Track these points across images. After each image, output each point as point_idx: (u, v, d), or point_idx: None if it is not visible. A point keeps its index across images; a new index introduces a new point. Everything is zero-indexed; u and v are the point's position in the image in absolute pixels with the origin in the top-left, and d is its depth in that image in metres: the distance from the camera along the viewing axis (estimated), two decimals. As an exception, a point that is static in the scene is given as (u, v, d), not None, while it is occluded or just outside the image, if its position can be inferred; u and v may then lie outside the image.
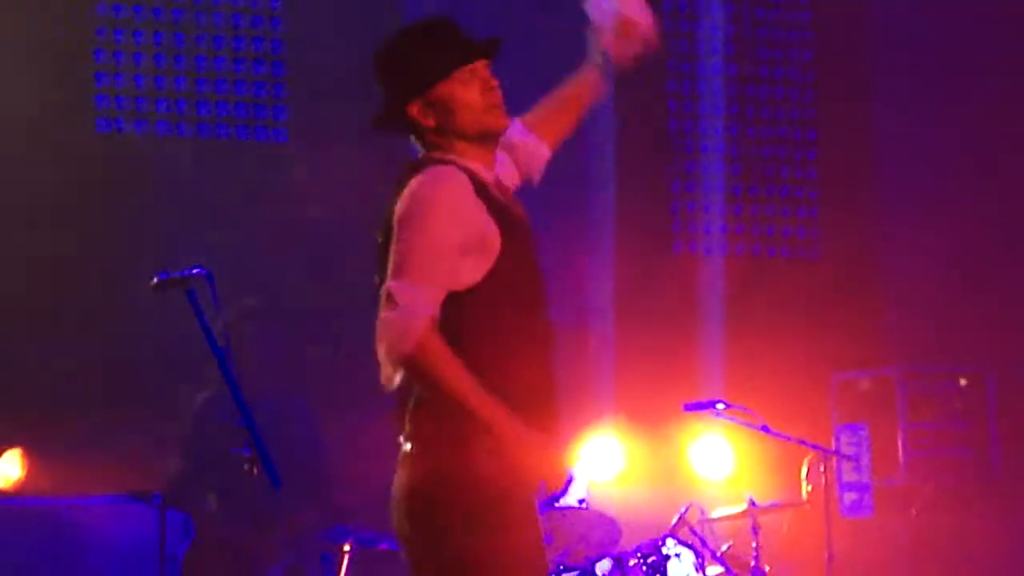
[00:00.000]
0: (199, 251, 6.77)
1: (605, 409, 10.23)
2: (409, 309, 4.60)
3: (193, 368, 7.86)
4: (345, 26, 10.24)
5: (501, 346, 4.80)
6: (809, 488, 9.49)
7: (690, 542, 9.13)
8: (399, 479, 4.81)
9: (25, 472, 9.33)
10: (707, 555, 9.20)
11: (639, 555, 8.88)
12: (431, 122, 4.87)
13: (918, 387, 10.67)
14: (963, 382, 10.71)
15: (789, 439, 9.32)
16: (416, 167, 4.84)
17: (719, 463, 10.65)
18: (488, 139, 4.93)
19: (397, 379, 4.70)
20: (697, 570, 9.05)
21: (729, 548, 9.47)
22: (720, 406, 9.17)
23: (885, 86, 11.57)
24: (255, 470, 5.62)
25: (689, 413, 9.38)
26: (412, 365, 4.61)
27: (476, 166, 4.86)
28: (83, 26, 9.93)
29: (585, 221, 10.85)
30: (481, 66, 4.91)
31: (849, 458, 10.43)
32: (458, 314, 4.73)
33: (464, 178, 4.75)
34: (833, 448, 10.15)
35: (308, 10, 10.39)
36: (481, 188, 4.80)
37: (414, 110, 4.87)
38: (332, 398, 9.21)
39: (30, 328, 9.35)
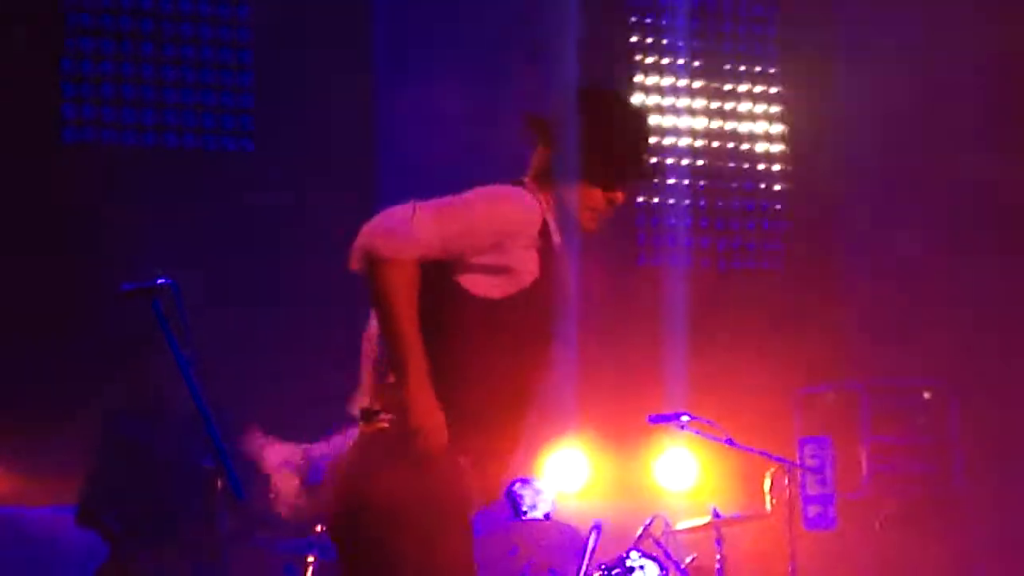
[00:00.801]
0: (166, 261, 6.72)
1: (570, 422, 10.22)
2: (420, 234, 4.72)
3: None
4: (314, 36, 10.24)
5: (489, 359, 4.89)
6: (773, 500, 9.51)
7: (654, 554, 9.15)
8: (359, 453, 4.89)
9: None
10: (671, 567, 9.22)
11: (603, 568, 8.90)
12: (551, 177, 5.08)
13: (882, 401, 10.69)
14: (927, 396, 10.74)
15: (753, 451, 9.34)
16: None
17: (683, 475, 10.67)
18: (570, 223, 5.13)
19: (355, 267, 4.78)
20: (661, 582, 9.07)
21: (693, 560, 9.48)
22: (685, 418, 9.18)
23: (853, 98, 11.58)
24: (219, 482, 5.59)
25: (654, 425, 9.40)
26: (380, 269, 4.70)
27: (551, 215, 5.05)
28: (51, 39, 9.92)
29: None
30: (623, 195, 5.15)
31: (813, 471, 10.45)
32: (462, 316, 4.84)
33: (538, 213, 4.94)
34: (797, 461, 10.18)
35: (277, 20, 10.36)
36: (545, 229, 4.97)
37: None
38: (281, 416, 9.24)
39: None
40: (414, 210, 4.76)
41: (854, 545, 10.48)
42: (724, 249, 11.66)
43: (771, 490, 9.50)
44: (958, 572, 10.50)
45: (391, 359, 4.76)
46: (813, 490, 10.59)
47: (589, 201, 5.08)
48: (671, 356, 10.54)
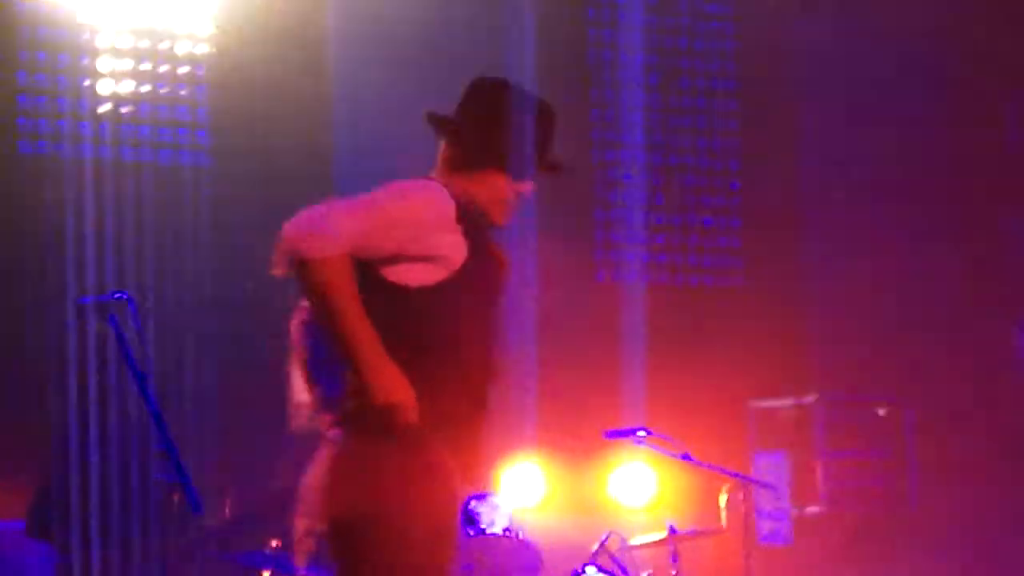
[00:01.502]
0: (122, 275, 6.72)
1: (527, 436, 10.22)
2: (339, 228, 4.72)
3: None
4: (271, 49, 10.23)
5: (437, 345, 4.89)
6: (728, 516, 9.52)
7: (611, 570, 9.14)
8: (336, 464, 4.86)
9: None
10: (627, 583, 9.22)
11: (560, 583, 8.90)
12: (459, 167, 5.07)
13: (837, 415, 10.72)
14: (881, 412, 10.77)
15: (709, 467, 9.35)
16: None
17: (640, 491, 10.67)
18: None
19: (282, 272, 4.77)
20: (617, 597, 9.07)
21: (650, 576, 9.49)
22: (641, 433, 9.19)
23: (809, 118, 11.64)
24: (175, 496, 5.57)
25: (610, 440, 9.40)
26: (311, 269, 4.68)
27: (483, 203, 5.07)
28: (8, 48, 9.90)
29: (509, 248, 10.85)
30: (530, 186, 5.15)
31: (767, 486, 10.44)
32: (394, 307, 4.82)
33: (448, 199, 4.92)
34: (752, 476, 10.18)
35: (234, 35, 10.36)
36: (464, 213, 4.95)
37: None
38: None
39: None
40: (330, 209, 4.76)
41: (810, 561, 10.50)
42: (682, 265, 11.69)
43: (727, 505, 9.51)
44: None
45: (342, 351, 4.73)
46: (767, 505, 10.61)
47: (497, 193, 5.08)
48: (628, 371, 10.55)
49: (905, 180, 11.41)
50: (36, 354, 8.85)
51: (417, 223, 4.86)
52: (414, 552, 4.80)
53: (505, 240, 5.22)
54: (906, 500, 10.70)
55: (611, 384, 10.41)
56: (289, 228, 4.73)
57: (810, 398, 10.72)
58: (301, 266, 4.69)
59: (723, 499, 9.51)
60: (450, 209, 4.91)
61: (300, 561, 5.01)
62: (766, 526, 10.57)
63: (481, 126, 5.07)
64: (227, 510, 8.30)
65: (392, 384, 4.73)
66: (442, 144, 5.12)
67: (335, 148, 10.55)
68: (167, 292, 8.45)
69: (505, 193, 5.09)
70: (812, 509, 10.53)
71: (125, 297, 5.85)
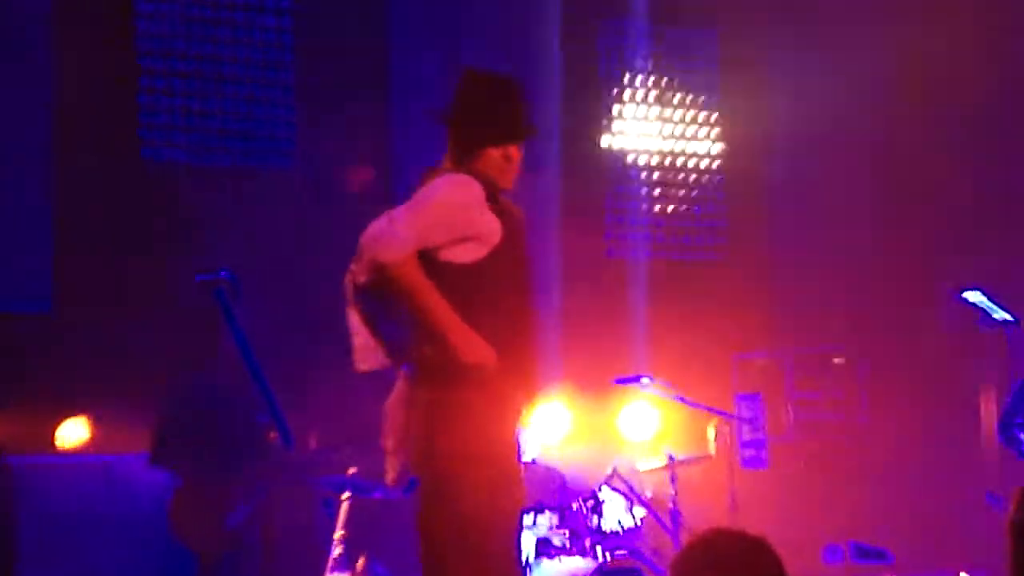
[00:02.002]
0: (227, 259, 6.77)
1: (554, 383, 10.24)
2: (404, 233, 4.69)
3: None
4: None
5: (492, 311, 4.86)
6: (716, 446, 9.57)
7: (621, 490, 9.18)
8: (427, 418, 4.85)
9: (91, 434, 9.33)
10: (634, 500, 9.27)
11: (580, 500, 8.95)
12: (464, 153, 5.02)
13: (803, 365, 10.72)
14: (837, 361, 10.78)
15: (700, 407, 9.39)
16: (438, 173, 4.98)
17: (644, 426, 10.69)
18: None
19: (365, 278, 4.73)
20: (627, 512, 9.11)
21: (652, 494, 9.53)
22: (645, 380, 9.22)
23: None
24: (272, 434, 5.64)
25: (620, 386, 9.44)
26: (391, 273, 4.66)
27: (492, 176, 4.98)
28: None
29: (535, 232, 10.91)
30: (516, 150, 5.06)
31: (747, 421, 10.49)
32: (457, 283, 4.80)
33: (476, 183, 4.87)
34: (735, 413, 10.22)
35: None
36: (492, 193, 4.92)
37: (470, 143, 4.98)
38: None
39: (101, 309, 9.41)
40: (391, 218, 4.72)
41: (781, 480, 10.53)
42: (676, 244, 11.70)
43: (715, 438, 9.56)
44: (865, 498, 10.56)
45: (429, 327, 4.69)
46: (748, 437, 10.63)
47: (497, 164, 5.01)
48: (634, 329, 10.58)
49: (870, 161, 11.37)
50: (163, 320, 8.88)
51: (461, 207, 4.85)
52: (499, 492, 4.80)
53: (532, 226, 5.18)
54: (858, 431, 10.72)
55: (620, 340, 10.43)
56: (365, 241, 4.71)
57: (781, 351, 10.74)
58: (381, 270, 4.68)
59: (711, 432, 9.56)
60: (480, 191, 4.89)
61: (390, 477, 5.00)
62: (746, 453, 10.59)
63: (468, 112, 5.00)
64: (313, 442, 8.29)
65: (477, 346, 4.72)
66: (448, 136, 5.06)
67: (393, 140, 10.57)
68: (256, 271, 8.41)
69: (502, 162, 5.02)
70: (784, 438, 10.55)
71: (230, 276, 5.90)
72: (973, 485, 8.42)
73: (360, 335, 4.95)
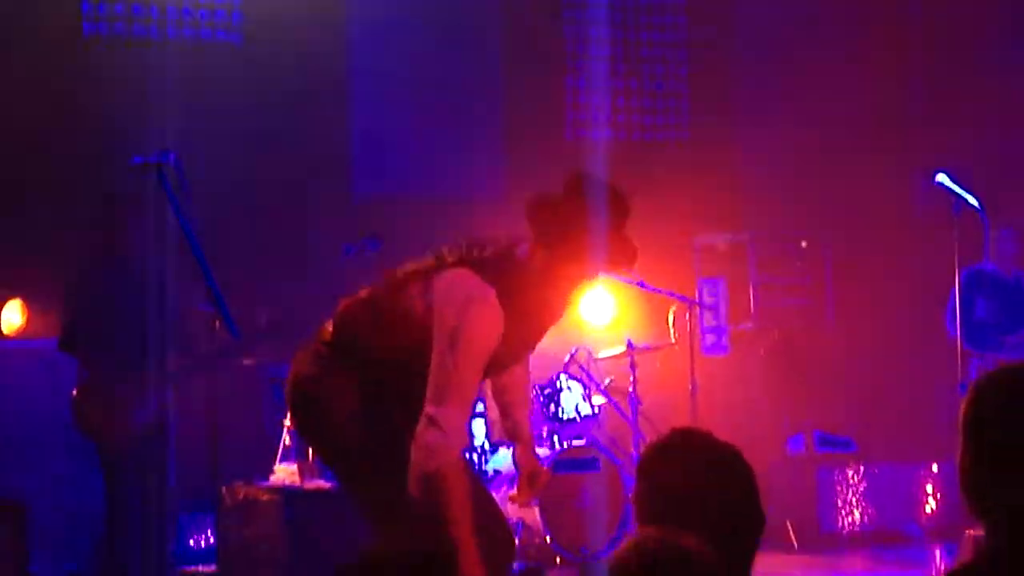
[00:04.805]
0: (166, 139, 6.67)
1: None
2: (452, 438, 4.53)
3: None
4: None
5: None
6: (676, 332, 9.61)
7: (579, 377, 9.24)
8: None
9: (25, 319, 9.28)
10: (593, 387, 9.33)
11: (538, 388, 8.99)
12: (537, 263, 4.76)
13: (767, 248, 10.72)
14: (804, 244, 10.78)
15: (660, 292, 9.42)
16: (480, 262, 4.74)
17: (603, 312, 10.71)
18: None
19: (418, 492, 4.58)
20: (584, 399, 9.17)
21: (611, 382, 9.59)
22: (604, 265, 9.22)
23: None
24: (216, 324, 5.61)
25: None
26: (435, 483, 4.50)
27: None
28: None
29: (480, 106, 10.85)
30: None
31: (708, 307, 10.52)
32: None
33: (498, 309, 4.64)
34: (696, 299, 10.25)
35: None
36: (506, 294, 4.68)
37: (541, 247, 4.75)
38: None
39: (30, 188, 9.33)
40: (438, 422, 4.53)
41: (743, 368, 10.59)
42: (637, 123, 11.64)
43: (674, 324, 9.60)
44: (830, 388, 10.66)
45: (452, 541, 4.50)
46: (709, 323, 10.65)
47: (570, 276, 4.82)
48: (593, 213, 10.51)
49: (830, 44, 11.33)
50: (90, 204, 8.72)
51: (491, 336, 4.64)
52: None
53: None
54: (822, 317, 10.76)
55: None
56: (416, 455, 4.54)
57: (744, 234, 10.73)
58: (428, 483, 4.51)
59: (671, 318, 9.60)
60: (500, 316, 4.66)
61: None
62: (707, 340, 10.64)
63: (565, 219, 4.73)
64: (263, 321, 8.18)
65: (476, 568, 4.53)
66: (536, 234, 4.79)
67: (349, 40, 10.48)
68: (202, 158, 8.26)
69: (576, 279, 4.83)
70: (745, 325, 10.59)
71: (172, 158, 5.83)
72: (944, 376, 8.46)
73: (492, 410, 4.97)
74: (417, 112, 10.87)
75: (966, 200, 8.18)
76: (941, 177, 8.19)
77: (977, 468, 2.84)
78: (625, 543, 2.34)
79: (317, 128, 10.35)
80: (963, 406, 2.89)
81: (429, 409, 4.54)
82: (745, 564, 2.92)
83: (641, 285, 9.24)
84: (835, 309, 10.76)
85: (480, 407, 8.99)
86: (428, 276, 4.74)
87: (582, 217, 4.70)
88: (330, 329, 4.85)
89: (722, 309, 10.59)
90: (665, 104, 11.75)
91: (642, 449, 3.10)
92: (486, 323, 4.63)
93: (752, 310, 10.54)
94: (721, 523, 2.86)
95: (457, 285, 4.64)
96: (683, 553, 2.28)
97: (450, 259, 4.76)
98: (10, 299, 9.25)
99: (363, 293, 4.93)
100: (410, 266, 4.85)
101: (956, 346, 8.14)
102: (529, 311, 4.74)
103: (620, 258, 4.86)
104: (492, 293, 4.65)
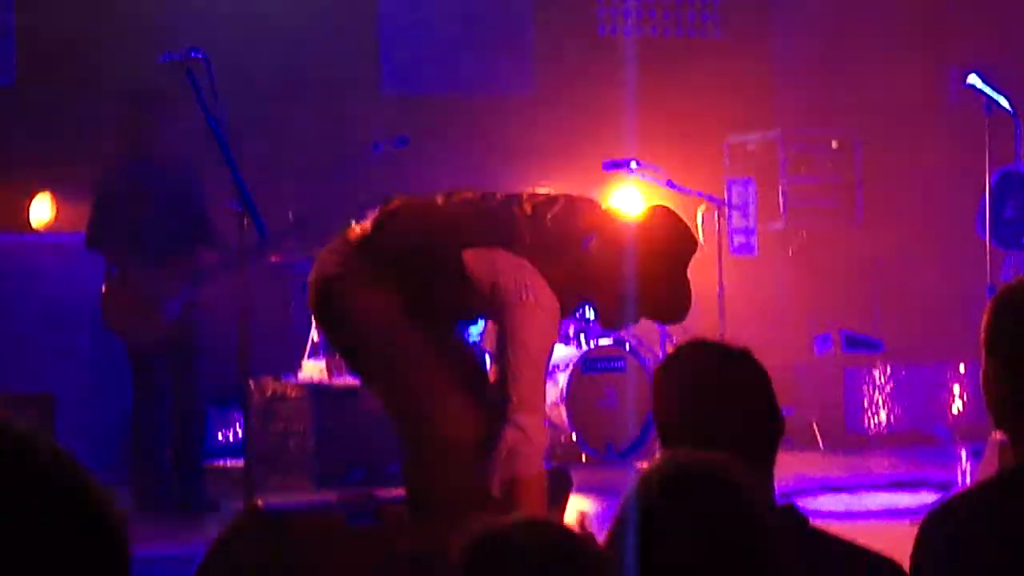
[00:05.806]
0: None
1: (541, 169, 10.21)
2: (538, 443, 4.61)
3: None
4: None
5: None
6: (704, 233, 9.61)
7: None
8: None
9: (54, 213, 9.32)
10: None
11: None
12: (589, 269, 4.75)
13: (797, 148, 10.68)
14: (835, 144, 10.74)
15: (689, 192, 9.42)
16: (545, 247, 4.72)
17: (632, 212, 10.69)
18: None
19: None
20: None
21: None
22: (634, 164, 9.24)
23: None
24: (244, 221, 5.64)
25: (608, 171, 9.44)
26: (518, 488, 4.55)
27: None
28: None
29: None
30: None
31: (738, 208, 10.52)
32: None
33: (559, 316, 4.70)
34: (725, 199, 10.24)
35: None
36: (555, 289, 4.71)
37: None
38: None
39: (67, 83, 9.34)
40: (526, 431, 4.58)
41: (771, 268, 10.60)
42: (670, 20, 11.57)
43: (703, 224, 9.60)
44: (860, 288, 10.67)
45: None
46: (738, 224, 10.66)
47: (617, 316, 4.86)
48: (623, 111, 10.51)
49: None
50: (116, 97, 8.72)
51: (553, 344, 4.75)
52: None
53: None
54: (853, 217, 10.74)
55: (609, 123, 10.38)
56: (503, 456, 4.59)
57: (775, 133, 10.70)
58: (512, 485, 4.58)
59: (699, 218, 9.60)
60: (560, 322, 4.77)
61: None
62: (736, 240, 10.64)
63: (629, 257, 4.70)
64: (291, 217, 8.22)
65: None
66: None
67: None
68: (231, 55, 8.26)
69: (615, 309, 4.81)
70: (774, 226, 10.59)
71: (201, 55, 5.83)
72: (974, 276, 8.45)
73: None
74: (447, 7, 10.83)
75: (998, 102, 8.13)
76: (973, 79, 8.14)
77: (999, 383, 2.84)
78: (655, 460, 2.37)
79: (345, 24, 10.33)
80: (984, 320, 2.88)
81: (519, 418, 4.58)
82: (766, 468, 2.94)
83: (670, 185, 9.24)
84: (864, 210, 10.73)
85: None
86: (512, 232, 4.72)
87: (647, 266, 4.70)
88: (369, 225, 4.81)
89: (751, 209, 10.58)
90: (697, 2, 11.67)
91: (667, 349, 3.14)
92: (552, 333, 4.71)
93: (781, 210, 10.53)
94: (737, 429, 2.89)
95: (530, 289, 4.63)
96: (718, 465, 2.29)
97: (524, 225, 4.74)
98: (39, 192, 9.28)
99: (436, 199, 4.88)
100: (496, 199, 4.85)
101: (986, 246, 8.13)
102: (565, 293, 4.75)
103: (669, 315, 4.98)
104: (557, 305, 4.67)
